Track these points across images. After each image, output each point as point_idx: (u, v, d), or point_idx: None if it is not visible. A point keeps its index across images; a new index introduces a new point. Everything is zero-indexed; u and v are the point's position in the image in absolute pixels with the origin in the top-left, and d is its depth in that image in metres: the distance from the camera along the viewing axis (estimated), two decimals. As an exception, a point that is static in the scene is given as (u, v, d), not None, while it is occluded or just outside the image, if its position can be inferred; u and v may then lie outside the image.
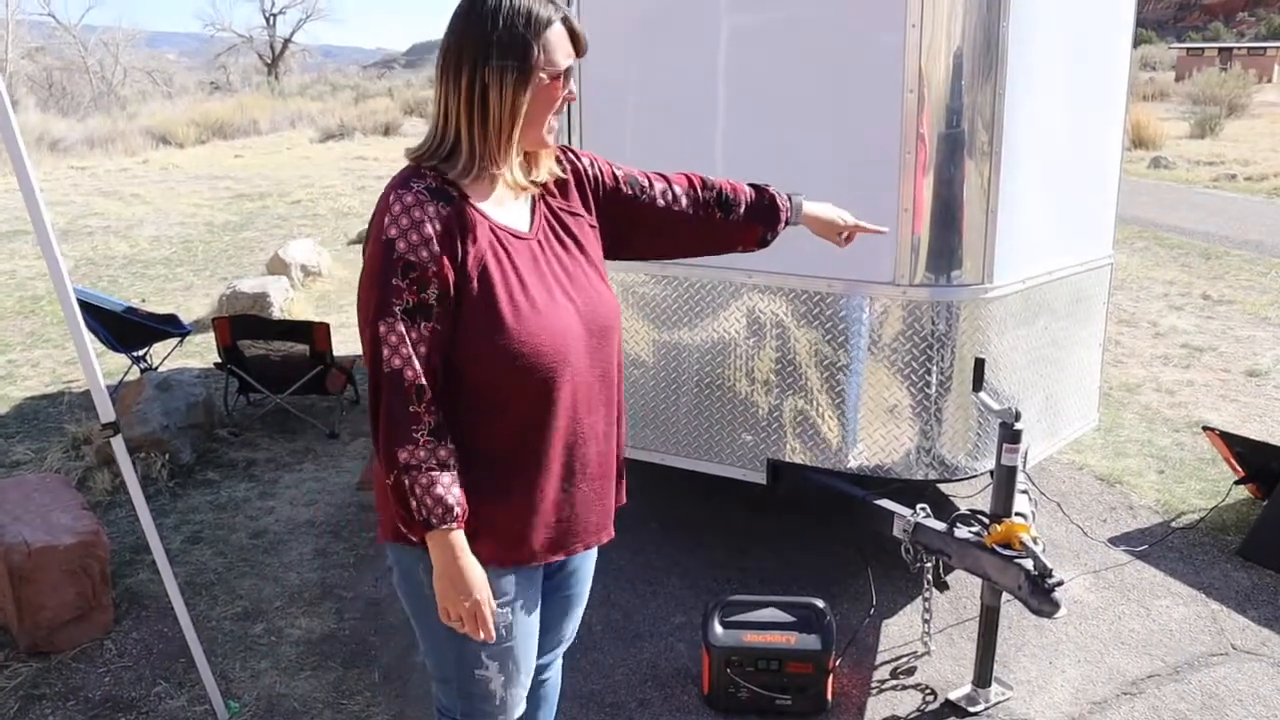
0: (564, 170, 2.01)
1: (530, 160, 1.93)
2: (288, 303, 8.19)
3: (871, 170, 3.30)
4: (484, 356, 1.78)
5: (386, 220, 1.75)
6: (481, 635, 1.86)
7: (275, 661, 3.46)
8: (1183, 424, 5.68)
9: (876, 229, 2.43)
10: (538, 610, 2.05)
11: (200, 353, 7.03)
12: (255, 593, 3.91)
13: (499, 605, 1.90)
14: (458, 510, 1.77)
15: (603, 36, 3.68)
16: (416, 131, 23.95)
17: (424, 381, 1.74)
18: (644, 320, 3.80)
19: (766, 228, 2.26)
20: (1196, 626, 3.68)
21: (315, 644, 3.57)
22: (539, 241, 1.89)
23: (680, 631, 3.61)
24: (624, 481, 2.13)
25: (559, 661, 2.36)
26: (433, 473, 1.75)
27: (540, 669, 2.23)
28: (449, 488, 1.76)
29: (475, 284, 1.77)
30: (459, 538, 1.79)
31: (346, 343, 7.07)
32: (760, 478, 3.70)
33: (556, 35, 1.81)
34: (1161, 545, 4.28)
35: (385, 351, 1.73)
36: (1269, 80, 42.33)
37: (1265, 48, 56.52)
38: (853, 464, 3.53)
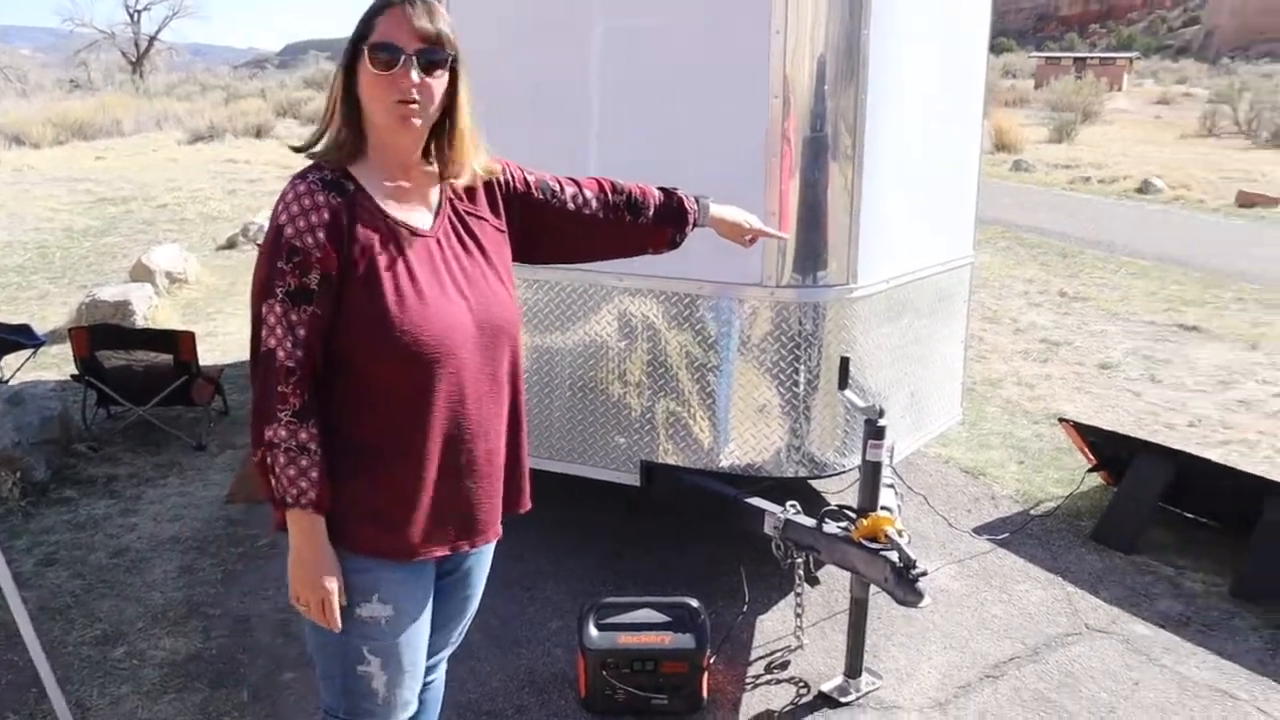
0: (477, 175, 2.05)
1: (445, 155, 1.95)
2: (152, 311, 7.89)
3: (739, 173, 3.35)
4: (366, 344, 1.81)
5: (280, 207, 1.83)
6: (328, 625, 1.88)
7: (137, 686, 3.32)
8: (1041, 416, 5.93)
9: (779, 234, 2.54)
10: (427, 610, 2.04)
11: (57, 364, 6.71)
12: (115, 614, 3.75)
13: (381, 598, 1.92)
14: (313, 493, 1.81)
15: (474, 38, 3.66)
16: (290, 134, 23.34)
17: (293, 364, 1.79)
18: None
19: (675, 229, 2.32)
20: (1054, 609, 3.84)
21: (180, 665, 3.44)
22: (438, 240, 1.93)
23: (557, 636, 3.61)
24: (526, 486, 2.15)
25: (444, 665, 2.34)
26: (291, 453, 1.79)
27: (425, 671, 2.20)
28: (306, 470, 1.80)
29: (361, 272, 1.81)
30: (314, 521, 1.83)
31: (213, 352, 6.85)
32: (634, 480, 3.72)
33: (392, 17, 1.85)
34: (1021, 533, 4.46)
35: (263, 331, 1.81)
36: (1119, 88, 44.53)
37: (1116, 57, 59.58)
38: (724, 463, 3.58)
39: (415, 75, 1.85)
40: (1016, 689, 3.35)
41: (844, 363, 3.12)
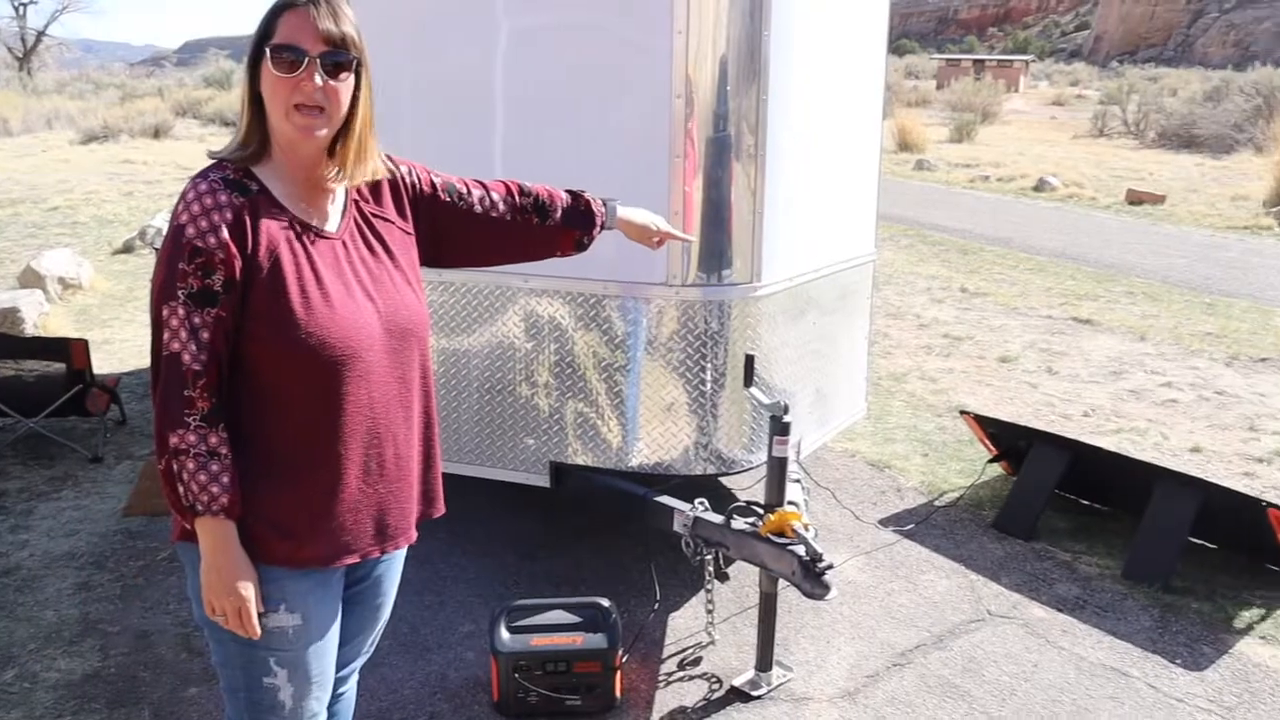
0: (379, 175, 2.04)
1: (346, 158, 1.92)
2: (42, 318, 7.59)
3: (643, 174, 3.37)
4: (271, 346, 1.79)
5: (180, 207, 1.79)
6: (246, 632, 1.84)
7: (29, 710, 3.20)
8: (944, 409, 6.08)
9: (686, 236, 2.58)
10: (336, 619, 2.01)
11: (-61, 376, 6.42)
12: (5, 636, 3.61)
13: (288, 608, 1.89)
14: (224, 499, 1.78)
15: (376, 37, 3.61)
16: (190, 134, 22.71)
17: (199, 367, 1.75)
18: (424, 327, 3.74)
19: (583, 232, 2.34)
20: (957, 596, 3.94)
21: (76, 686, 3.32)
22: (344, 242, 1.91)
23: (469, 640, 3.58)
24: (440, 490, 2.14)
25: (355, 677, 2.30)
26: (201, 458, 1.76)
27: (337, 683, 2.17)
28: (217, 475, 1.77)
29: (265, 274, 1.79)
30: (226, 528, 1.80)
31: (110, 360, 6.64)
32: (544, 481, 3.71)
33: (296, 18, 1.82)
34: (926, 524, 4.56)
35: (166, 335, 1.77)
36: (1016, 90, 45.93)
37: (1012, 60, 61.40)
38: (634, 462, 3.59)
39: (319, 79, 1.81)
40: (923, 676, 3.43)
41: (749, 360, 3.16)
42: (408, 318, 1.95)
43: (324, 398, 1.84)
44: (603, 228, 2.37)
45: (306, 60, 1.80)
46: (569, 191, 2.33)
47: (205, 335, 1.76)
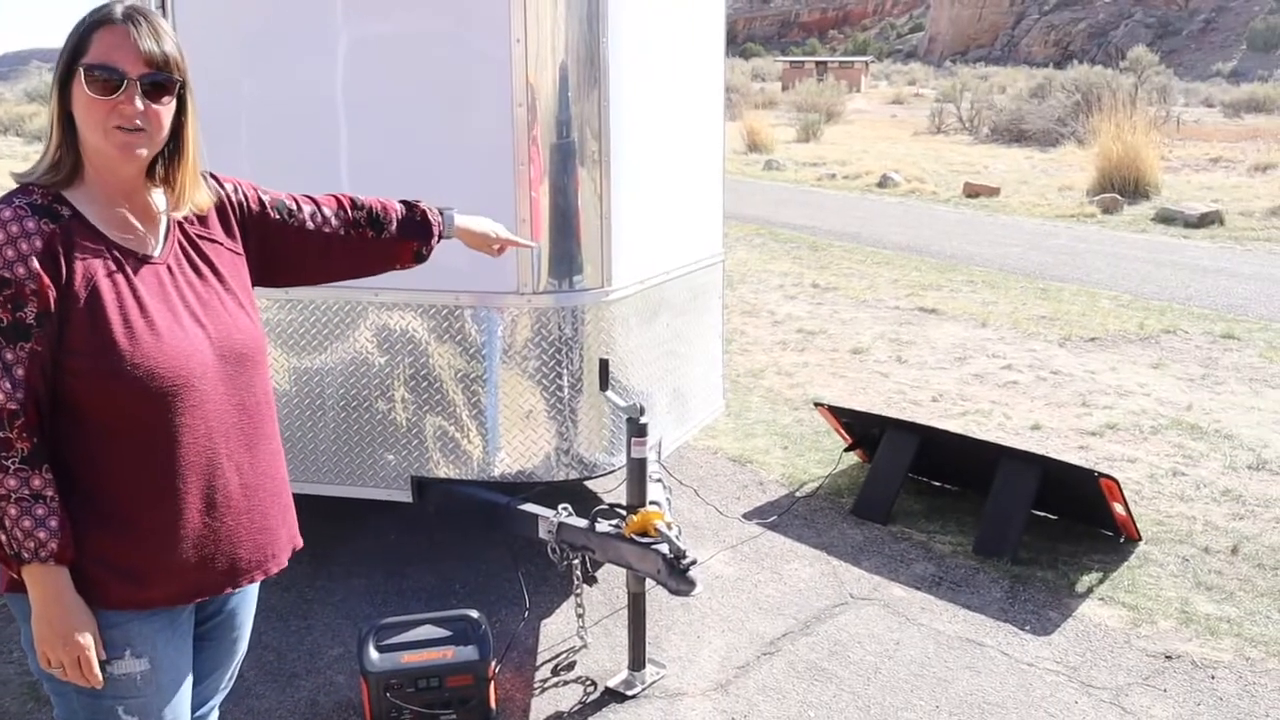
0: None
1: (170, 184, 1.86)
2: None
3: (489, 182, 3.37)
4: (95, 381, 1.70)
5: None
6: (88, 683, 1.76)
7: None
8: (801, 402, 6.25)
9: (527, 243, 2.57)
10: (187, 659, 1.93)
11: None
12: None
13: (134, 653, 1.80)
14: (53, 544, 1.68)
15: (211, 47, 3.51)
16: (14, 153, 21.48)
17: (15, 406, 1.66)
18: (276, 346, 3.65)
19: (420, 243, 2.28)
20: (821, 583, 4.06)
21: (-92, 747, 3.11)
22: (169, 267, 1.82)
23: (338, 664, 3.50)
24: (294, 518, 2.06)
25: (215, 713, 2.21)
26: (24, 503, 1.67)
27: None
28: (43, 520, 1.68)
29: (83, 305, 1.70)
30: (57, 575, 1.71)
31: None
32: (406, 496, 3.66)
33: (110, 34, 1.73)
34: (789, 514, 4.68)
35: None
36: (858, 90, 47.54)
37: (853, 61, 63.52)
38: (496, 472, 3.58)
39: (139, 103, 1.73)
40: (791, 662, 3.52)
41: (603, 364, 3.19)
42: (242, 342, 1.88)
43: (156, 431, 1.76)
44: (441, 237, 2.32)
45: (126, 83, 1.72)
46: (403, 202, 2.28)
47: (19, 372, 1.66)
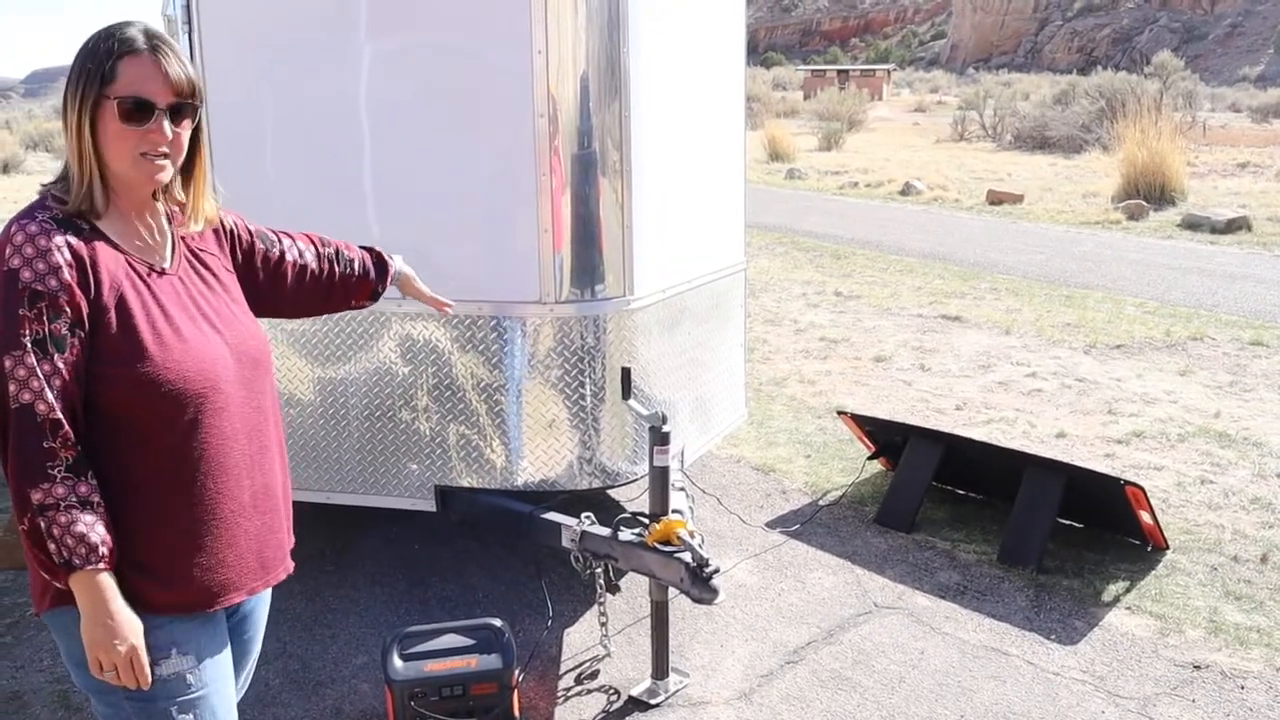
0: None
1: (185, 200, 1.94)
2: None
3: (511, 193, 3.39)
4: (129, 387, 1.75)
5: (9, 251, 1.71)
6: (139, 682, 1.78)
7: (-111, 782, 3.03)
8: (824, 410, 6.23)
9: (445, 303, 2.63)
10: (229, 655, 1.98)
11: None
12: None
13: (180, 651, 1.85)
14: (103, 549, 1.72)
15: (235, 61, 3.55)
16: (44, 168, 21.76)
17: (59, 415, 1.69)
18: (300, 357, 3.68)
19: (378, 281, 2.42)
20: (844, 591, 4.05)
21: (-60, 754, 3.16)
22: (180, 278, 1.89)
23: (363, 672, 3.52)
24: (291, 521, 2.12)
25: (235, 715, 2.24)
26: (73, 510, 1.69)
27: None
28: (92, 526, 1.70)
29: (113, 315, 1.75)
30: (107, 580, 1.73)
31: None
32: (430, 506, 3.68)
33: (137, 64, 1.78)
34: (812, 523, 4.67)
35: (13, 387, 1.68)
36: (880, 98, 47.45)
37: (875, 69, 63.42)
38: (519, 481, 3.59)
39: (168, 130, 1.80)
40: (815, 671, 3.50)
41: (625, 373, 3.20)
42: (255, 347, 1.96)
43: (189, 433, 1.81)
44: (392, 280, 2.46)
45: (156, 112, 1.78)
46: (362, 246, 2.42)
47: (58, 382, 1.70)
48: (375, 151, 3.55)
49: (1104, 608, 3.88)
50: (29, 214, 1.77)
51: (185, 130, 1.85)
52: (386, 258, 2.44)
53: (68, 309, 1.71)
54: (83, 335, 1.72)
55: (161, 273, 1.86)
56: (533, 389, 3.52)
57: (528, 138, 3.35)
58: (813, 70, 64.43)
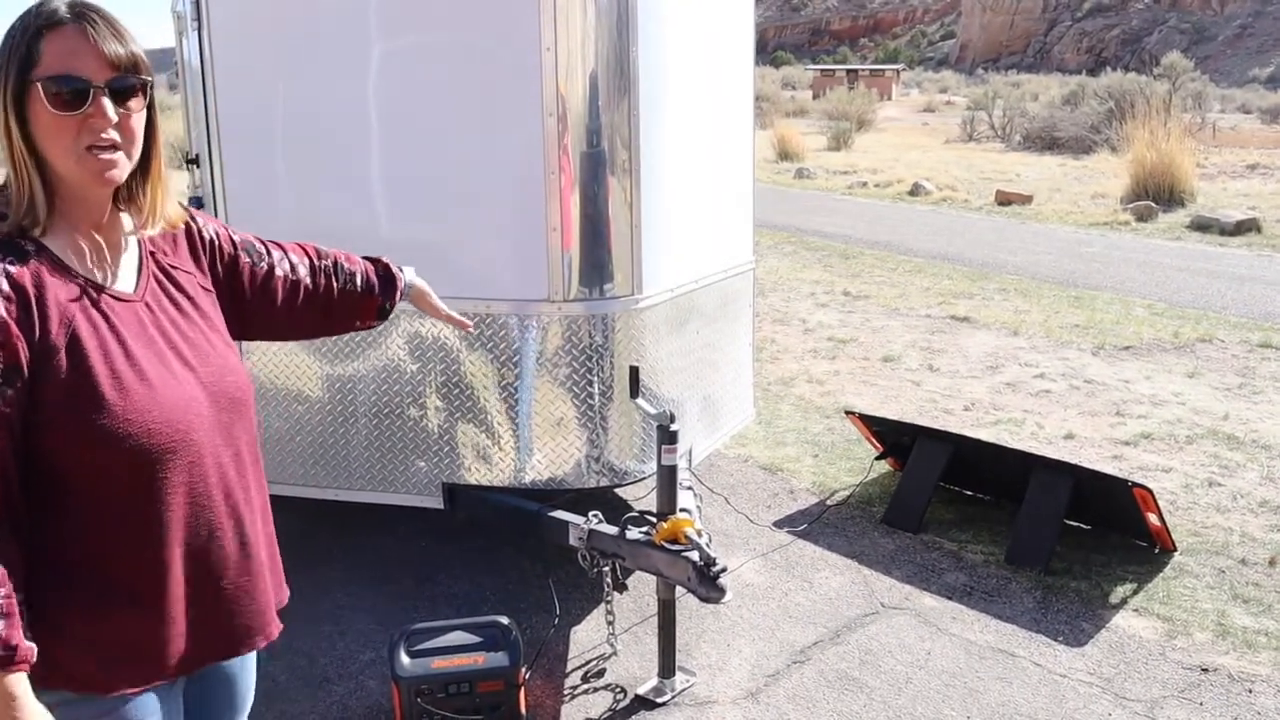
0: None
1: (139, 200, 1.64)
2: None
3: (520, 191, 3.40)
4: (80, 441, 1.48)
5: None
6: None
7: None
8: (832, 410, 6.23)
9: (463, 321, 2.39)
10: None
11: None
12: None
13: None
14: (19, 647, 1.42)
15: (245, 60, 3.57)
16: None
17: None
18: (308, 354, 3.69)
19: (385, 297, 2.16)
20: (851, 591, 4.05)
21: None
22: (147, 304, 1.61)
23: (370, 668, 3.53)
24: (281, 573, 1.87)
25: None
26: None
27: None
28: (6, 618, 1.41)
29: (62, 356, 1.47)
30: (16, 681, 1.42)
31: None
32: (437, 503, 3.69)
33: (68, 39, 1.49)
34: (819, 523, 4.67)
35: None
36: (889, 98, 47.40)
37: (884, 69, 63.35)
38: (527, 479, 3.60)
39: (112, 112, 1.50)
40: (822, 671, 3.50)
41: (633, 371, 3.20)
42: (234, 384, 1.68)
43: (149, 494, 1.54)
44: (403, 295, 2.20)
45: (93, 92, 1.49)
46: (366, 257, 2.16)
47: None
48: (383, 150, 3.56)
49: (1111, 610, 3.87)
50: None
51: (136, 113, 1.55)
52: (395, 270, 2.17)
53: (3, 351, 1.42)
54: (20, 384, 1.44)
55: (123, 299, 1.58)
56: (541, 387, 3.52)
57: (536, 136, 3.35)
58: (822, 70, 64.34)
